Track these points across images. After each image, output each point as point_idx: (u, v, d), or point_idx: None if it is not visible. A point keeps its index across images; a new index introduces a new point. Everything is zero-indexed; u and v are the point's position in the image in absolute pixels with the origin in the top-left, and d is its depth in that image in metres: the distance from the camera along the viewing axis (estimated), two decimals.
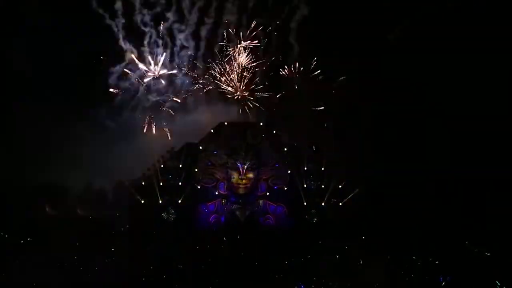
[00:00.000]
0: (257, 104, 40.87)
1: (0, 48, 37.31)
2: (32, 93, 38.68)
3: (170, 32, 39.67)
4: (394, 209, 34.34)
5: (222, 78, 41.12)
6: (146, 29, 39.46)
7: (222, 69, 41.03)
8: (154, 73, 40.12)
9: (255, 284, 28.55)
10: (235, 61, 40.86)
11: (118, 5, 38.55)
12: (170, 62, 40.62)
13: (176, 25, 39.68)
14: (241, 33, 40.43)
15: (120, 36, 39.15)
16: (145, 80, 40.24)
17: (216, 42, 40.56)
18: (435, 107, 39.17)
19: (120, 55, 39.45)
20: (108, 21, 38.73)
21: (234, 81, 41.07)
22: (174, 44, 40.06)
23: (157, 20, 39.52)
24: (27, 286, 27.27)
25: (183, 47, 40.27)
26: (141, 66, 40.02)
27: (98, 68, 40.26)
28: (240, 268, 29.33)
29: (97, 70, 40.35)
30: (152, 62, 40.03)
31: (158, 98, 40.88)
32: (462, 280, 28.24)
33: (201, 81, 41.52)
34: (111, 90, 39.50)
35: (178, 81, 41.15)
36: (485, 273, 28.22)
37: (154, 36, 39.85)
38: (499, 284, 27.30)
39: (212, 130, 37.53)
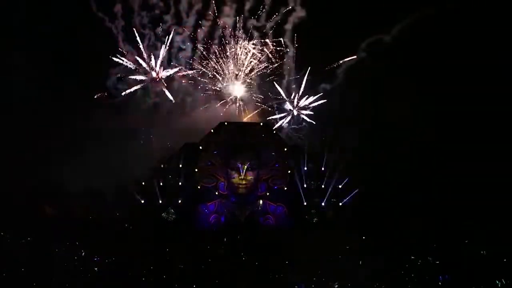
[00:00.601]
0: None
1: (2, 49, 37.39)
2: (33, 93, 38.69)
3: (168, 34, 40.12)
4: (394, 209, 34.35)
5: (219, 78, 41.51)
6: (145, 32, 39.81)
7: (220, 70, 41.48)
8: (153, 75, 40.42)
9: (255, 284, 28.57)
10: (234, 61, 41.30)
11: (118, 8, 38.90)
12: (168, 64, 41.05)
13: (174, 27, 40.07)
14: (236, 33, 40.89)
15: (120, 39, 39.46)
16: (145, 81, 40.63)
17: (214, 43, 41.02)
18: (435, 105, 39.31)
19: (120, 57, 39.90)
20: (108, 24, 39.08)
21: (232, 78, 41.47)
22: (172, 46, 40.43)
23: (156, 22, 39.98)
24: (27, 286, 27.34)
25: (180, 49, 40.64)
26: (141, 67, 40.43)
27: (99, 69, 40.50)
28: (240, 268, 29.34)
29: (97, 71, 40.58)
30: (151, 64, 40.39)
31: (157, 99, 41.21)
32: (461, 279, 28.31)
33: (200, 84, 42.01)
34: (96, 96, 39.65)
35: (175, 84, 41.57)
36: (484, 272, 28.29)
37: (153, 39, 40.19)
38: (499, 284, 27.34)
39: (212, 130, 37.48)
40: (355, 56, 39.25)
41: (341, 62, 39.24)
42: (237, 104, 42.28)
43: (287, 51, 40.53)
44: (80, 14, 38.73)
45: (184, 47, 40.68)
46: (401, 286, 28.66)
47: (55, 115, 37.88)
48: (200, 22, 40.18)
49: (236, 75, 41.93)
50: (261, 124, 38.71)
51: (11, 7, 38.14)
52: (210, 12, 40.04)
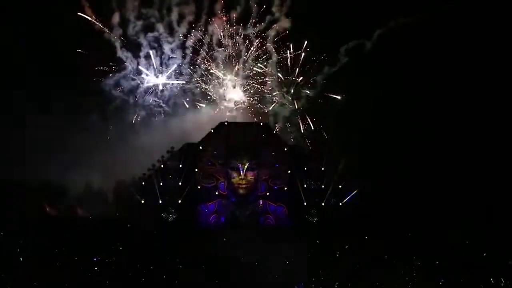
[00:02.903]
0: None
1: (3, 50, 37.57)
2: (33, 93, 38.81)
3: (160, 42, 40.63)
4: (394, 209, 34.34)
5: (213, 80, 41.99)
6: (142, 39, 40.37)
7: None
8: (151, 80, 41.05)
9: (255, 284, 28.58)
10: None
11: (115, 18, 39.44)
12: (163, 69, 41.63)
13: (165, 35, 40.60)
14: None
15: (118, 46, 39.97)
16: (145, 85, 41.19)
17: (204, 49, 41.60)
18: (436, 106, 39.35)
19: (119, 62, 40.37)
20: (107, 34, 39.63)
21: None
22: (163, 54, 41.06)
23: (150, 31, 40.52)
24: (27, 286, 27.36)
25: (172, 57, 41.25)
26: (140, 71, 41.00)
27: (98, 70, 40.81)
28: (239, 268, 29.33)
29: (97, 72, 40.86)
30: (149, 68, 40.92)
31: (155, 101, 41.62)
32: (461, 279, 28.31)
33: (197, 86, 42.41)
34: None
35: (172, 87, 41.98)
36: (484, 273, 28.28)
37: (148, 48, 40.73)
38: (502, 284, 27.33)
39: (212, 130, 37.49)
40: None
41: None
42: (234, 105, 42.63)
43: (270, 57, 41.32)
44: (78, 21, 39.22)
45: (174, 55, 41.35)
46: (402, 286, 28.65)
47: (54, 114, 38.06)
48: (190, 31, 40.99)
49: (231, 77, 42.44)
50: (261, 124, 38.73)
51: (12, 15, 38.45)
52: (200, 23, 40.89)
